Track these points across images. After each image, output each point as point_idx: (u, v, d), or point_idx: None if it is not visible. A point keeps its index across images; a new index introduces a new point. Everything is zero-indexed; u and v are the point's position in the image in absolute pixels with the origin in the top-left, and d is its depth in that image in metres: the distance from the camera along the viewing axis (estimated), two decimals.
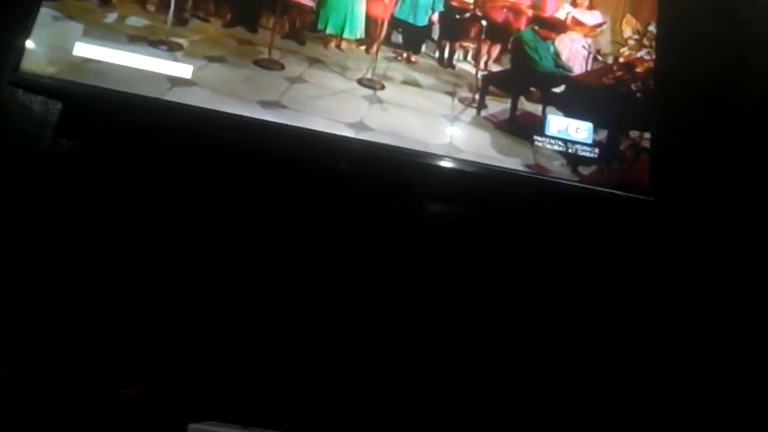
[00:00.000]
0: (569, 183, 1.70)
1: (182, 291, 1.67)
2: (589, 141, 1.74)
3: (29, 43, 1.59)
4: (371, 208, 1.78)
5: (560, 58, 1.80)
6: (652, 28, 1.81)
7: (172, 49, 1.67)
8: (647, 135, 1.77)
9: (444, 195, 1.81)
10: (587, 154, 1.73)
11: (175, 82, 1.62)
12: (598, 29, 1.83)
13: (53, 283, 1.62)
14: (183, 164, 1.74)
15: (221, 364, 1.63)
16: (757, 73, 1.97)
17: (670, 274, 1.82)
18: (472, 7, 1.83)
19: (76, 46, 1.61)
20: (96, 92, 1.58)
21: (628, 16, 1.83)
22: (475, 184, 1.72)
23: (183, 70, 1.63)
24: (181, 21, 1.71)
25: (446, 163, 1.66)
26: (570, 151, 1.72)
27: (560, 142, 1.72)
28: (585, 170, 1.72)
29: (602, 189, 1.70)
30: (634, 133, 1.77)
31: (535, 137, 1.72)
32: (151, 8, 1.71)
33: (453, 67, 1.83)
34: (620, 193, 1.70)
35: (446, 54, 1.84)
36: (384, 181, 1.76)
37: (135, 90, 1.59)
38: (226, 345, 1.65)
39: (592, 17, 1.84)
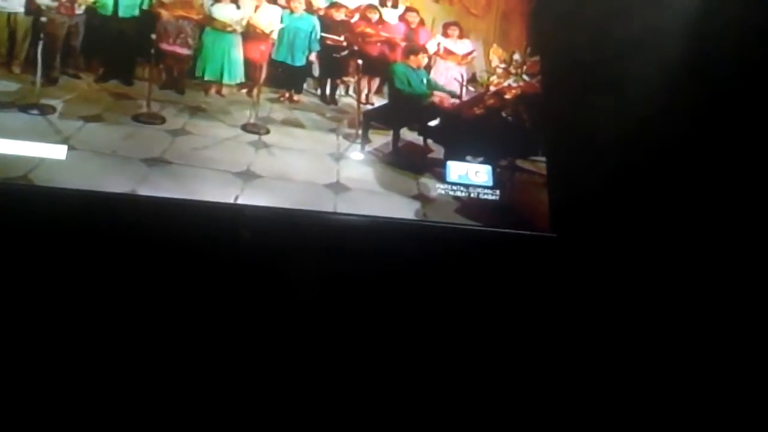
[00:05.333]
0: (469, 227, 1.76)
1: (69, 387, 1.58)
2: (490, 183, 1.82)
3: None
4: (275, 275, 1.76)
5: (436, 85, 1.90)
6: (517, 56, 1.93)
7: (45, 113, 1.63)
8: (541, 166, 1.86)
9: (342, 251, 1.79)
10: (489, 197, 1.80)
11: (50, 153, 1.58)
12: (470, 57, 1.94)
13: None
14: (66, 251, 1.65)
15: None
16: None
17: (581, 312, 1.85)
18: (346, 44, 1.89)
19: None
20: None
21: (495, 45, 1.94)
22: (373, 238, 1.74)
23: (57, 151, 1.58)
24: (50, 80, 1.67)
25: (341, 219, 1.70)
26: (472, 195, 1.79)
27: (462, 188, 1.79)
28: (485, 213, 1.79)
29: (502, 230, 1.77)
30: (524, 164, 1.87)
31: (438, 186, 1.78)
32: (17, 70, 1.67)
33: (336, 102, 1.89)
34: (521, 232, 1.77)
35: (328, 91, 1.90)
36: (281, 244, 1.74)
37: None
38: None
39: (462, 46, 1.94)
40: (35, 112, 1.62)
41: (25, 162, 1.56)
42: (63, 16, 1.70)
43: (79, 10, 1.72)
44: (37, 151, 1.57)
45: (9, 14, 1.68)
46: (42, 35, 1.68)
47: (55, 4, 1.70)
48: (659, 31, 2.08)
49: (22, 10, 1.68)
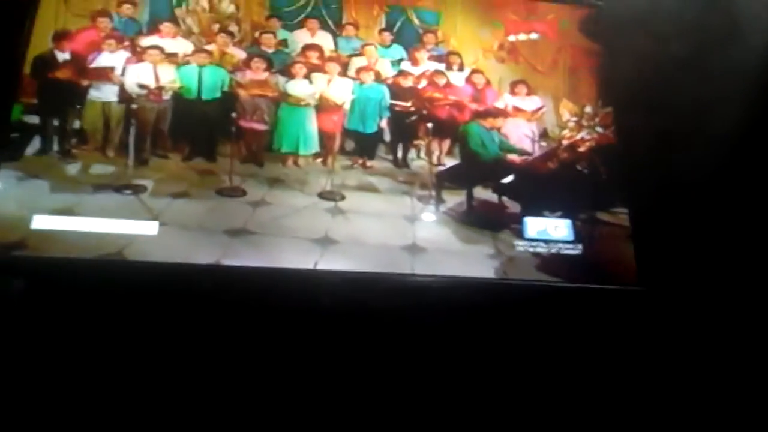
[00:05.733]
0: (552, 284, 1.72)
1: None
2: (570, 237, 1.78)
3: None
4: (356, 340, 1.73)
5: (507, 145, 1.90)
6: (588, 109, 1.92)
7: (137, 192, 1.73)
8: (622, 217, 1.82)
9: (422, 313, 1.75)
10: (570, 251, 1.76)
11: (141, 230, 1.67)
12: (539, 113, 1.94)
13: None
14: (157, 320, 1.69)
15: None
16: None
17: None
18: (414, 109, 1.93)
19: (40, 211, 1.63)
20: (53, 263, 1.59)
21: (565, 100, 1.94)
22: (453, 298, 1.72)
23: (149, 227, 1.67)
24: (141, 162, 1.79)
25: (419, 281, 1.69)
26: (553, 251, 1.76)
27: (542, 244, 1.76)
28: (567, 268, 1.74)
29: (587, 285, 1.72)
30: (604, 216, 1.82)
31: (517, 242, 1.76)
32: (111, 153, 1.79)
33: (408, 166, 1.92)
34: (607, 287, 1.72)
35: (399, 154, 1.94)
36: (361, 308, 1.73)
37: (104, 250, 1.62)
38: None
39: (531, 103, 1.95)
40: (128, 192, 1.73)
41: (118, 239, 1.65)
42: (152, 102, 1.84)
43: (167, 96, 1.85)
44: (131, 228, 1.66)
45: (103, 103, 1.83)
46: (133, 121, 1.82)
47: (145, 92, 1.85)
48: (733, 73, 2.03)
49: (115, 98, 1.83)
